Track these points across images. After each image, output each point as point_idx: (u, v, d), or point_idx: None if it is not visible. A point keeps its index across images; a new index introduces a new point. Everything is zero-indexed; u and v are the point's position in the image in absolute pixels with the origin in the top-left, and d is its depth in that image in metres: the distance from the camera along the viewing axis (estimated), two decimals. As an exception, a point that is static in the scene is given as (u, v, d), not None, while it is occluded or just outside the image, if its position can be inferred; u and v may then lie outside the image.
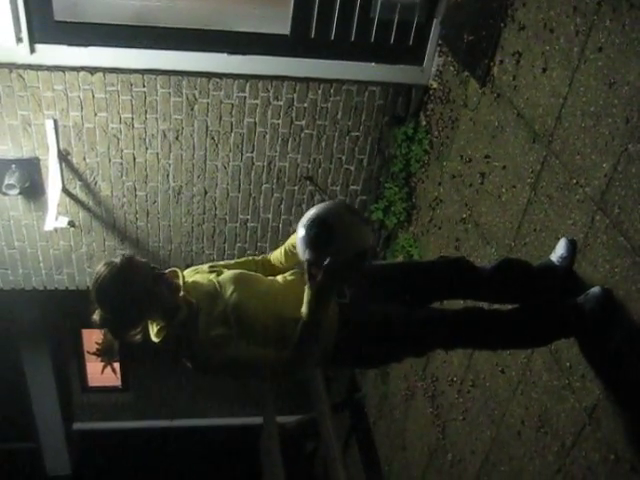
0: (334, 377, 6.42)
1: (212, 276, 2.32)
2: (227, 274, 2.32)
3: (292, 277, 2.40)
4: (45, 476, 7.44)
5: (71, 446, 7.39)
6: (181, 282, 2.24)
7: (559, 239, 2.89)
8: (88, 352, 6.69)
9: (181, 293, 2.19)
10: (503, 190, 3.45)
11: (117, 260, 2.11)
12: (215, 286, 2.26)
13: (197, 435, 7.63)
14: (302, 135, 4.44)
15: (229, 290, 2.23)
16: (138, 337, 2.21)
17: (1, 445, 7.33)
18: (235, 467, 7.59)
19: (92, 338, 7.52)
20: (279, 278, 2.41)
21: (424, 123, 4.41)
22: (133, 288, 2.08)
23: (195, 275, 2.36)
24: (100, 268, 2.11)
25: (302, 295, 2.12)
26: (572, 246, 2.80)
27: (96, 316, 2.16)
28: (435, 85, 4.27)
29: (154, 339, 2.20)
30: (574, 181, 2.83)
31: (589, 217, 2.73)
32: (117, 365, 7.24)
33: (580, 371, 2.80)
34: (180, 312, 2.15)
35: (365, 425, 5.79)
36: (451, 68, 4.06)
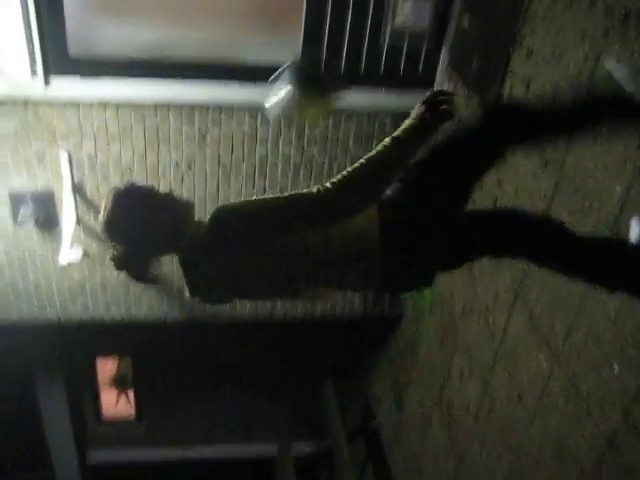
0: (348, 402, 6.38)
1: None
2: None
3: None
4: (59, 508, 7.41)
5: (85, 476, 7.35)
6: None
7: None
8: (102, 382, 6.71)
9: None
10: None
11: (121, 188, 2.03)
12: None
13: (211, 465, 7.58)
14: (314, 163, 4.47)
15: None
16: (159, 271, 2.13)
17: (16, 475, 7.32)
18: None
19: (106, 368, 7.56)
20: None
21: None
22: (141, 211, 2.01)
23: None
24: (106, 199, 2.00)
25: None
26: None
27: (114, 253, 2.06)
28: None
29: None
30: (587, 204, 2.82)
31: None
32: (131, 394, 7.27)
33: (599, 397, 2.77)
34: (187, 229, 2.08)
35: (381, 454, 5.74)
36: (461, 94, 4.08)
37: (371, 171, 1.94)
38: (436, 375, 4.55)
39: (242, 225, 1.97)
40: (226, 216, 2.00)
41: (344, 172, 1.93)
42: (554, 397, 3.10)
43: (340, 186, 1.91)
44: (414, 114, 2.04)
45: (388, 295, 5.07)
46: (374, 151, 1.96)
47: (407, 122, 2.03)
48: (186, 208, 2.13)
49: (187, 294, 2.22)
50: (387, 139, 1.98)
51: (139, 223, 2.00)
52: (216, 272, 2.12)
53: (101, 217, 1.99)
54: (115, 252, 2.05)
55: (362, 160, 1.95)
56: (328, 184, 1.92)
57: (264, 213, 1.95)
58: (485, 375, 3.81)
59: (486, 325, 3.80)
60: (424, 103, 2.04)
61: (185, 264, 2.13)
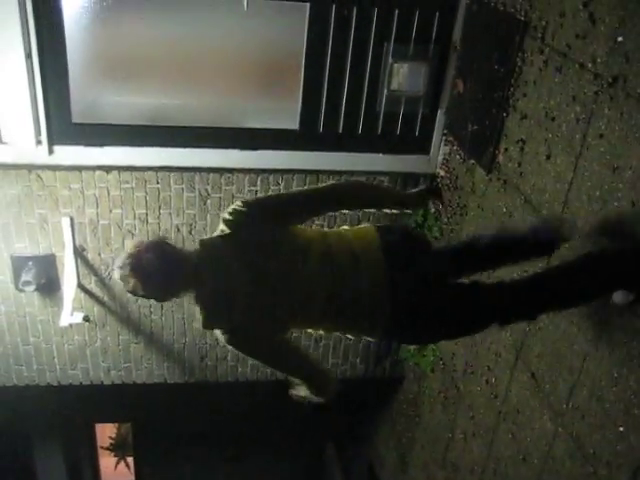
0: (352, 464, 6.28)
1: None
2: None
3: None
4: None
5: None
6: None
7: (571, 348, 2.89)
8: (101, 447, 6.61)
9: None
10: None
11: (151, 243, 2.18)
12: None
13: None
14: (313, 226, 4.51)
15: None
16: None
17: None
18: None
19: (105, 433, 7.42)
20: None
21: (433, 210, 4.48)
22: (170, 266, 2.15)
23: None
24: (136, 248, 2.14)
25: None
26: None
27: (131, 287, 2.14)
28: (442, 173, 4.36)
29: None
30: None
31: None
32: (130, 460, 7.12)
33: (605, 458, 2.74)
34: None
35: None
36: (457, 156, 4.16)
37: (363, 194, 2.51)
38: (440, 436, 4.49)
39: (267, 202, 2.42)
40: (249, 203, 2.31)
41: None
42: (559, 457, 3.07)
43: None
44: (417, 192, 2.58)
45: (389, 355, 5.06)
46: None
47: (413, 192, 2.58)
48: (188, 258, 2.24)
49: (201, 326, 2.29)
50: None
51: (164, 275, 2.14)
52: (232, 279, 2.22)
53: (124, 263, 2.11)
54: (132, 288, 2.15)
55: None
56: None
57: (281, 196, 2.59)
58: (489, 436, 3.77)
59: (488, 385, 3.78)
60: (429, 191, 2.61)
61: (197, 283, 2.22)
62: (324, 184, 2.46)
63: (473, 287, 2.51)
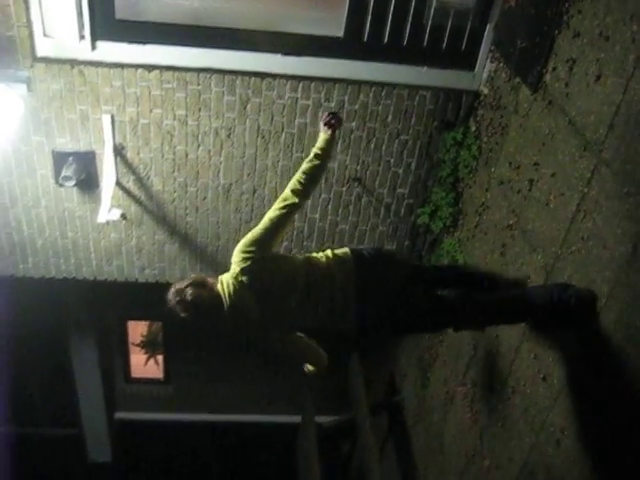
0: (374, 376, 6.44)
1: None
2: None
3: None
4: (87, 462, 7.62)
5: (113, 434, 7.55)
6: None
7: (607, 248, 2.89)
8: (133, 343, 6.84)
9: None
10: (551, 197, 3.44)
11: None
12: None
13: (235, 430, 7.72)
14: (352, 137, 4.49)
15: None
16: None
17: (46, 430, 7.55)
18: (271, 463, 7.66)
19: (137, 330, 7.66)
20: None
21: (473, 129, 4.42)
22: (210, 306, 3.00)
23: None
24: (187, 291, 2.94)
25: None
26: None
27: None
28: (486, 91, 4.27)
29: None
30: (625, 190, 2.81)
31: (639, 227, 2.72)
32: (160, 358, 7.38)
33: (622, 383, 2.78)
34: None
35: (403, 428, 5.80)
36: (503, 74, 4.06)
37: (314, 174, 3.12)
38: (462, 354, 4.57)
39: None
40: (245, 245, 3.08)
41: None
42: (579, 381, 3.12)
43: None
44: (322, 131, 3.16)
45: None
46: (309, 163, 3.10)
47: (321, 137, 3.15)
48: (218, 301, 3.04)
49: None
50: (312, 153, 3.11)
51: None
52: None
53: (187, 301, 2.93)
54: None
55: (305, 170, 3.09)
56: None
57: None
58: (510, 354, 3.83)
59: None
60: (325, 124, 3.16)
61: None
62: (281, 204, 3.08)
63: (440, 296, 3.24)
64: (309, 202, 4.73)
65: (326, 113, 3.18)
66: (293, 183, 3.10)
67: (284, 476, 7.02)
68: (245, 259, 3.01)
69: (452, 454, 4.70)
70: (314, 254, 3.18)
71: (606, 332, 2.92)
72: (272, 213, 3.07)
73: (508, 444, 3.83)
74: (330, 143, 3.15)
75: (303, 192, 3.09)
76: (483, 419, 4.20)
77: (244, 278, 3.00)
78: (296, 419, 6.03)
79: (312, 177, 3.11)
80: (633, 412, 2.72)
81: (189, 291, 2.93)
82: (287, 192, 3.09)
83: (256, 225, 3.09)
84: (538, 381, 3.50)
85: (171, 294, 2.95)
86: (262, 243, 3.03)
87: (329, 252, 3.17)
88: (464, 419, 4.48)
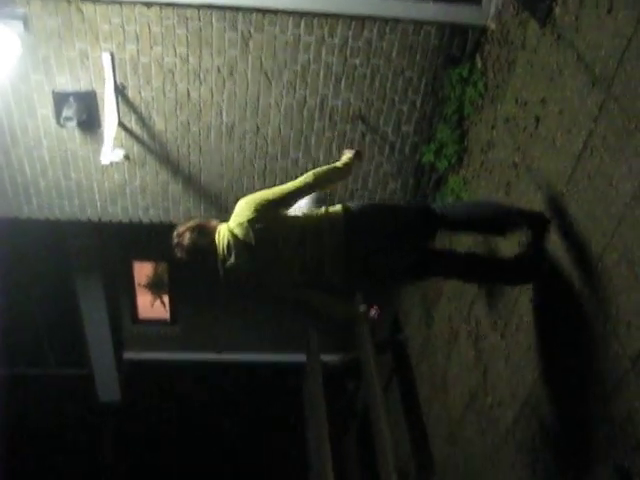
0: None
1: None
2: None
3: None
4: (96, 401, 7.78)
5: (121, 374, 7.68)
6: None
7: (612, 185, 2.86)
8: (139, 284, 6.89)
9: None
10: (558, 135, 3.39)
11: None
12: None
13: (241, 369, 7.84)
14: (356, 74, 4.42)
15: None
16: None
17: (56, 370, 7.68)
18: (278, 401, 7.81)
19: (143, 271, 7.67)
20: None
21: (480, 65, 4.33)
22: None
23: None
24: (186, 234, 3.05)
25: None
26: None
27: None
28: (493, 26, 4.18)
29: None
30: (633, 126, 2.77)
31: (646, 163, 2.69)
32: (166, 299, 7.42)
33: (626, 318, 2.79)
34: None
35: (407, 366, 5.88)
36: (510, 8, 3.96)
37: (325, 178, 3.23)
38: (466, 291, 4.59)
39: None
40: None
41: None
42: (581, 317, 3.13)
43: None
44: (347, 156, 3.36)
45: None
46: (326, 170, 3.23)
47: (344, 159, 3.33)
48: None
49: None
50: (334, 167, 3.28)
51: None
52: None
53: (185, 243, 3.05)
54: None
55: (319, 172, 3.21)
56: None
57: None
58: (514, 292, 3.85)
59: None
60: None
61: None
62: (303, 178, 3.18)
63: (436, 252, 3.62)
64: (312, 140, 4.70)
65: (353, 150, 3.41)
66: (317, 170, 3.22)
67: (291, 413, 7.17)
68: (254, 216, 3.04)
69: (455, 391, 4.77)
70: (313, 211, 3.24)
71: (609, 270, 2.92)
72: (296, 183, 3.17)
73: (511, 381, 3.88)
74: (352, 163, 3.34)
75: (321, 179, 3.19)
76: (486, 356, 4.24)
77: (243, 231, 3.04)
78: (302, 358, 6.11)
79: (330, 174, 3.24)
80: None
81: (187, 235, 3.03)
82: (309, 173, 3.19)
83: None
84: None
85: (172, 236, 3.05)
86: (276, 205, 3.10)
87: (323, 209, 3.22)
88: (468, 357, 4.53)
